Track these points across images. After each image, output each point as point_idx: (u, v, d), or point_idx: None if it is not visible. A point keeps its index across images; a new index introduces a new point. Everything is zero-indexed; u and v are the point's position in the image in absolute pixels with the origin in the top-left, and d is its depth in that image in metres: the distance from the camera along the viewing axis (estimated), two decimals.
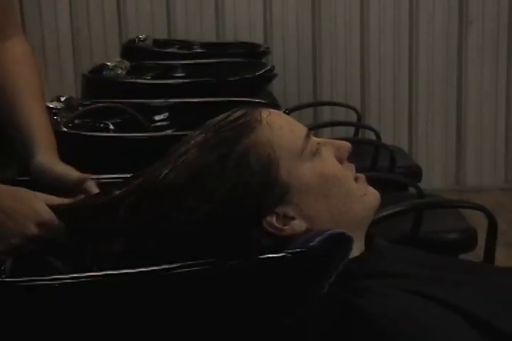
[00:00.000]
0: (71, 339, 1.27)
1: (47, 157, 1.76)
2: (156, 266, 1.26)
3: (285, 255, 1.29)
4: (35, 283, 1.28)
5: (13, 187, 1.61)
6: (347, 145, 1.49)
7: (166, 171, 1.43)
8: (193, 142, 1.45)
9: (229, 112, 1.47)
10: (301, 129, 1.47)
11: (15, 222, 1.52)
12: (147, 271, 1.25)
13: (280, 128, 1.44)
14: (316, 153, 1.45)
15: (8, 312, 1.25)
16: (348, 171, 1.48)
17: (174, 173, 1.41)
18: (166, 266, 1.25)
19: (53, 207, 1.55)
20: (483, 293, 1.38)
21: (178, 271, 1.25)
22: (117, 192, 1.58)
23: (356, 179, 1.48)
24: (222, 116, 1.47)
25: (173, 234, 1.39)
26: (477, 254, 2.56)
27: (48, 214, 1.54)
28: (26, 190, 1.59)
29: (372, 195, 1.49)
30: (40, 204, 1.55)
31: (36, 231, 1.52)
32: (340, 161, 1.47)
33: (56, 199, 1.59)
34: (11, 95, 1.83)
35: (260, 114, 1.44)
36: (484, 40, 5.85)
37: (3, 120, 1.86)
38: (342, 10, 5.80)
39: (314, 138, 1.47)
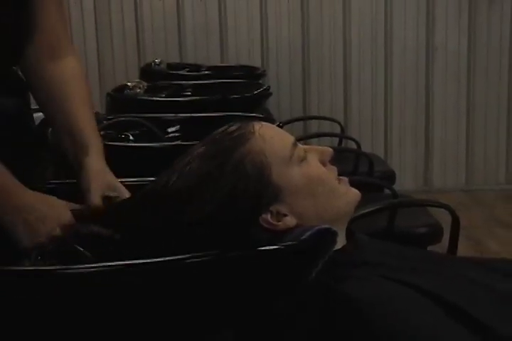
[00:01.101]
0: (96, 324, 1.26)
1: (98, 166, 1.71)
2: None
3: (279, 247, 1.29)
4: (66, 271, 1.27)
5: (46, 195, 1.57)
6: (329, 150, 1.50)
7: (174, 179, 1.43)
8: (195, 153, 1.45)
9: (226, 126, 1.47)
10: (289, 138, 1.47)
11: (45, 224, 1.50)
12: (164, 260, 1.24)
13: (271, 138, 1.44)
14: (302, 158, 1.45)
15: (39, 299, 1.24)
16: (331, 173, 1.48)
17: (181, 180, 1.41)
18: (180, 257, 1.24)
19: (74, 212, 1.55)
20: (449, 279, 1.38)
21: (190, 260, 1.24)
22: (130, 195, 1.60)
23: (339, 180, 1.48)
24: (220, 129, 1.47)
25: (182, 233, 1.38)
26: (442, 246, 2.55)
27: (70, 219, 1.51)
28: (56, 198, 1.56)
29: (352, 193, 1.49)
30: (65, 210, 1.53)
31: (60, 233, 1.49)
32: (324, 164, 1.48)
33: (76, 206, 1.58)
34: (69, 107, 1.79)
35: (253, 127, 1.45)
36: (447, 63, 5.88)
37: (58, 128, 1.82)
38: (328, 39, 5.83)
39: (301, 146, 1.47)
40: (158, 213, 1.43)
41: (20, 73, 1.87)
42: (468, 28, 5.81)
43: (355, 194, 1.49)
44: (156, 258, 1.25)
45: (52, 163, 2.01)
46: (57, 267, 1.31)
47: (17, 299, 1.23)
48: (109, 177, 1.71)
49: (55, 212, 1.52)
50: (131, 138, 2.81)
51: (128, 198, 1.59)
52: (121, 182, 1.70)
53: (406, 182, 5.60)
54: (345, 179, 1.50)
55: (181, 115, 3.10)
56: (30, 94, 1.89)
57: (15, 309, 1.23)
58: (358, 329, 1.25)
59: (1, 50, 1.75)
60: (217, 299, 1.28)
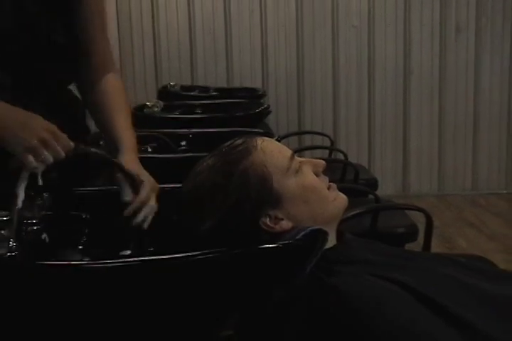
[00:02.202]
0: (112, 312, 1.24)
1: (127, 157, 1.72)
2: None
3: (278, 245, 1.28)
4: (83, 266, 1.26)
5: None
6: (321, 162, 1.49)
7: (189, 188, 1.43)
8: (205, 164, 1.45)
9: (232, 140, 1.47)
10: (287, 152, 1.46)
11: (29, 130, 1.47)
12: (180, 256, 1.23)
13: (271, 152, 1.43)
14: (298, 169, 1.44)
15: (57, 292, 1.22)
16: (323, 182, 1.47)
17: (194, 189, 1.41)
18: (194, 253, 1.23)
19: None
20: (425, 274, 1.36)
21: (203, 257, 1.24)
22: None
23: (329, 187, 1.47)
24: (226, 143, 1.47)
25: (196, 234, 1.38)
26: (418, 244, 2.54)
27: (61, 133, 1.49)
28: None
29: (341, 199, 1.49)
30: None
31: (49, 137, 1.46)
32: (317, 175, 1.47)
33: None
34: (110, 113, 1.82)
35: (256, 141, 1.44)
36: (422, 84, 5.90)
37: (101, 129, 1.87)
38: (319, 65, 5.84)
39: (297, 158, 1.46)
40: (178, 217, 1.44)
41: (74, 91, 1.93)
42: (439, 54, 5.82)
43: (343, 200, 1.49)
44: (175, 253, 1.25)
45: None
46: (84, 262, 1.30)
47: (44, 292, 1.22)
48: (135, 166, 1.71)
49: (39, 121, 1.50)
50: (149, 150, 2.82)
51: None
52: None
53: (387, 188, 5.58)
54: (335, 185, 1.49)
55: (193, 130, 3.10)
56: (84, 109, 1.94)
57: (41, 301, 1.22)
58: (347, 318, 1.24)
59: (60, 72, 1.80)
60: (225, 289, 1.28)
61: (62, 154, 1.47)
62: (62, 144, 1.48)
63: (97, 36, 1.91)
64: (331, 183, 1.49)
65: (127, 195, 1.59)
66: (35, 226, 1.37)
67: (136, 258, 1.35)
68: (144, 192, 1.60)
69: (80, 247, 1.54)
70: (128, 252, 1.55)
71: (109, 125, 1.82)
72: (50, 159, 1.45)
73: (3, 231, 1.31)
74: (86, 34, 1.86)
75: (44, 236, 1.38)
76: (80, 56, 1.86)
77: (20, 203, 1.35)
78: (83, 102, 1.93)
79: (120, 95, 1.92)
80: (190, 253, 1.23)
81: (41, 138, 1.45)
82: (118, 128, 1.79)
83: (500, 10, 5.78)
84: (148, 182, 1.63)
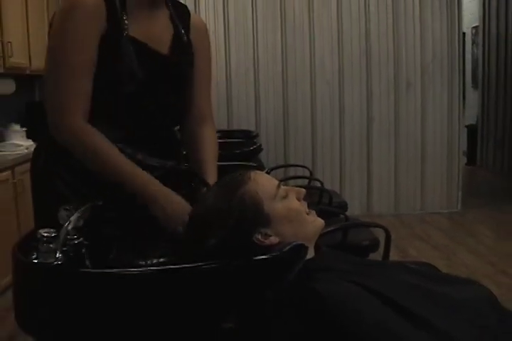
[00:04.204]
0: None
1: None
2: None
3: (267, 257, 1.28)
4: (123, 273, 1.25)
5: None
6: (303, 190, 1.48)
7: (197, 212, 1.44)
8: (210, 193, 1.46)
9: (232, 174, 1.46)
10: (275, 182, 1.46)
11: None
12: (191, 266, 1.23)
13: (262, 182, 1.43)
14: (284, 196, 1.43)
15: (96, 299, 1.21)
16: (303, 206, 1.46)
17: (202, 213, 1.40)
18: (201, 264, 1.23)
19: None
20: (387, 280, 1.35)
21: (208, 266, 1.23)
22: None
23: (309, 212, 1.46)
24: (228, 176, 1.47)
25: (201, 249, 1.37)
26: (379, 254, 2.53)
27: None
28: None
29: (318, 222, 1.47)
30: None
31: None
32: (299, 200, 1.46)
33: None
34: (204, 157, 1.81)
35: (250, 174, 1.44)
36: (381, 128, 5.92)
37: (195, 166, 1.83)
38: (301, 111, 5.86)
39: (283, 187, 1.46)
40: (188, 235, 1.43)
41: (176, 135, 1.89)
42: (394, 104, 5.86)
43: (320, 222, 1.47)
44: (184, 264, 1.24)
45: None
46: (114, 270, 1.29)
47: (84, 294, 1.22)
48: None
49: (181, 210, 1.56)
50: None
51: None
52: None
53: (354, 209, 5.58)
54: (313, 211, 1.48)
55: None
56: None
57: (81, 302, 1.21)
58: (327, 316, 1.22)
59: (168, 120, 1.77)
60: (227, 291, 1.27)
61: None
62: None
63: (202, 95, 1.88)
64: (311, 209, 1.48)
65: None
66: (76, 240, 1.36)
67: (155, 267, 1.35)
68: None
69: (111, 257, 1.53)
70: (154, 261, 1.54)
71: (202, 165, 1.79)
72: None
73: (51, 245, 1.30)
74: (193, 94, 1.84)
75: (84, 249, 1.36)
76: (185, 112, 1.84)
77: (70, 227, 1.34)
78: (184, 144, 1.90)
79: (214, 145, 1.88)
80: (199, 264, 1.24)
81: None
82: (208, 170, 1.77)
83: (439, 70, 5.83)
84: None
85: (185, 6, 1.86)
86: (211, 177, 1.75)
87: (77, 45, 1.55)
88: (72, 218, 1.36)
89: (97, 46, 1.57)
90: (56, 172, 1.66)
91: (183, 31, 1.75)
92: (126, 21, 1.60)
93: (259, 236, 1.38)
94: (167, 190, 1.59)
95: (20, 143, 4.37)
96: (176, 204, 1.58)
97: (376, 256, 2.83)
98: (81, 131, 1.57)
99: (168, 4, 1.76)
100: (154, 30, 1.68)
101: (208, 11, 5.64)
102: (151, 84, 1.66)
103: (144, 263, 1.49)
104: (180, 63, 1.74)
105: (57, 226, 1.35)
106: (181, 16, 1.78)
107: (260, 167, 3.29)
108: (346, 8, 5.75)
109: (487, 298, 1.39)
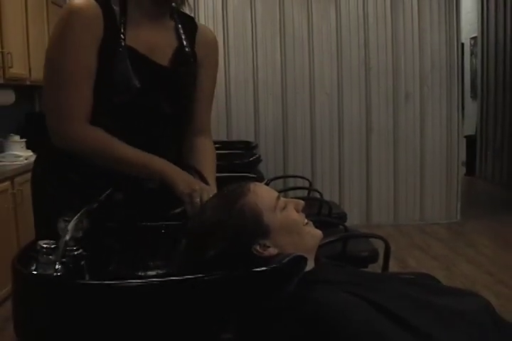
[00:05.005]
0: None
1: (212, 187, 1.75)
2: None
3: (267, 269, 1.27)
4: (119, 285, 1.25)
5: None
6: (301, 202, 1.47)
7: (196, 223, 1.42)
8: (209, 204, 1.45)
9: (231, 185, 1.46)
10: (274, 193, 1.45)
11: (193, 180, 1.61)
12: (192, 277, 1.23)
13: (261, 194, 1.42)
14: (283, 207, 1.43)
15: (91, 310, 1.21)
16: (301, 218, 1.46)
17: (201, 224, 1.40)
18: (202, 275, 1.23)
19: None
20: (386, 292, 1.35)
21: (209, 278, 1.23)
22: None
23: (307, 223, 1.46)
24: (227, 187, 1.46)
25: (200, 261, 1.37)
26: (378, 264, 2.53)
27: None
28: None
29: (316, 233, 1.46)
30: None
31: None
32: (298, 211, 1.45)
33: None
34: (203, 166, 1.81)
35: (249, 186, 1.43)
36: (380, 138, 5.93)
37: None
38: (300, 122, 5.88)
39: (282, 199, 1.45)
40: (188, 246, 1.42)
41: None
42: (392, 115, 5.88)
43: (318, 233, 1.46)
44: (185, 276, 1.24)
45: None
46: (112, 282, 1.29)
47: (82, 305, 1.21)
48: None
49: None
50: None
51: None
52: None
53: (354, 220, 5.57)
54: (311, 222, 1.48)
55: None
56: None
57: (80, 312, 1.21)
58: (325, 325, 1.22)
59: (168, 130, 1.78)
60: (227, 301, 1.27)
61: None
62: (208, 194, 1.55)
63: (204, 109, 1.89)
64: (308, 221, 1.49)
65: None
66: (76, 252, 1.36)
67: (157, 279, 1.35)
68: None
69: (110, 269, 1.53)
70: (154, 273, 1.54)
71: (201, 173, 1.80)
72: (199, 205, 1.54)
73: (51, 256, 1.30)
74: (195, 107, 1.86)
75: (83, 261, 1.36)
76: (184, 124, 1.85)
77: (68, 237, 1.34)
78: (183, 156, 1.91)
79: (211, 156, 1.91)
80: (200, 275, 1.24)
81: (200, 188, 1.58)
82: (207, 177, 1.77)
83: (438, 80, 5.85)
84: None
85: (192, 18, 1.86)
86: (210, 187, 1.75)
87: (75, 51, 1.56)
88: (69, 227, 1.36)
89: (95, 54, 1.58)
90: (54, 183, 1.67)
91: (185, 43, 1.76)
92: (123, 31, 1.61)
93: (259, 248, 1.37)
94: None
95: (20, 153, 4.37)
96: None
97: (376, 266, 2.83)
98: (82, 134, 1.59)
99: (173, 16, 1.77)
100: (156, 41, 1.69)
101: (207, 21, 5.65)
102: (148, 95, 1.67)
103: (143, 274, 1.49)
104: (180, 74, 1.74)
105: (57, 237, 1.35)
106: (187, 28, 1.79)
107: (260, 178, 3.29)
108: (345, 19, 5.78)
109: (486, 310, 1.39)
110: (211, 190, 1.62)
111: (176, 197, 1.60)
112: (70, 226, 1.36)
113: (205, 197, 1.54)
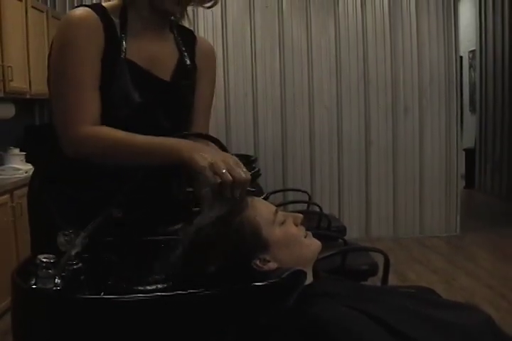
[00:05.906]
0: None
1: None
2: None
3: (266, 283, 1.27)
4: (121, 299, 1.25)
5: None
6: (300, 216, 1.47)
7: (197, 238, 1.40)
8: (208, 219, 1.43)
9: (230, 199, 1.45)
10: (272, 208, 1.45)
11: (214, 153, 1.45)
12: (192, 292, 1.23)
13: (259, 208, 1.42)
14: (282, 221, 1.43)
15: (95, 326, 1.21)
16: (301, 231, 1.46)
17: (200, 239, 1.39)
18: (202, 290, 1.23)
19: None
20: (385, 306, 1.35)
21: (209, 292, 1.23)
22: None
23: (306, 235, 1.46)
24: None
25: (199, 276, 1.36)
26: (378, 278, 2.53)
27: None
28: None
29: (315, 244, 1.46)
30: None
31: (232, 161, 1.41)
32: (296, 225, 1.45)
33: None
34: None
35: (247, 200, 1.43)
36: (379, 151, 5.94)
37: None
38: (299, 136, 5.89)
39: (281, 213, 1.45)
40: (187, 261, 1.41)
41: None
42: (392, 128, 5.89)
43: (317, 245, 1.47)
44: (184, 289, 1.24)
45: None
46: (113, 296, 1.29)
47: (82, 319, 1.21)
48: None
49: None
50: None
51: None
52: None
53: (353, 233, 5.57)
54: (310, 233, 1.48)
55: None
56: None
57: (79, 327, 1.21)
58: (324, 339, 1.22)
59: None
60: (226, 315, 1.26)
61: (243, 175, 1.38)
62: (241, 169, 1.40)
63: (201, 120, 1.86)
64: (307, 232, 1.48)
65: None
66: (75, 266, 1.36)
67: (157, 293, 1.34)
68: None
69: (109, 283, 1.53)
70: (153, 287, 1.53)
71: None
72: (229, 177, 1.36)
73: (50, 271, 1.30)
74: (193, 118, 1.83)
75: (82, 275, 1.36)
76: (184, 127, 1.80)
77: (73, 252, 1.34)
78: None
79: None
80: (200, 290, 1.23)
81: (223, 159, 1.41)
82: None
83: (436, 94, 5.87)
84: None
85: (191, 31, 1.86)
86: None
87: (77, 58, 1.54)
88: (77, 242, 1.35)
89: (99, 61, 1.57)
90: (51, 196, 1.66)
91: (186, 54, 1.76)
92: (124, 44, 1.61)
93: (258, 262, 1.37)
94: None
95: (20, 166, 4.37)
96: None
97: (375, 280, 2.83)
98: (92, 134, 1.54)
99: (172, 29, 1.77)
100: (157, 54, 1.69)
101: (206, 34, 5.68)
102: (148, 109, 1.66)
103: (142, 288, 1.49)
104: (180, 88, 1.74)
105: (53, 251, 1.34)
106: (186, 41, 1.79)
107: (259, 192, 3.29)
108: (344, 34, 5.81)
109: (487, 323, 1.39)
110: (233, 157, 1.46)
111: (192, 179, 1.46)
112: (79, 239, 1.36)
113: (233, 165, 1.39)
